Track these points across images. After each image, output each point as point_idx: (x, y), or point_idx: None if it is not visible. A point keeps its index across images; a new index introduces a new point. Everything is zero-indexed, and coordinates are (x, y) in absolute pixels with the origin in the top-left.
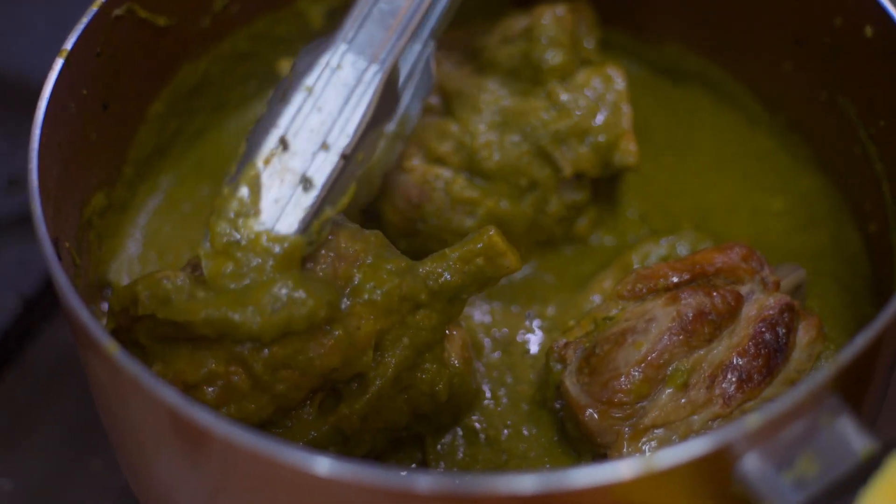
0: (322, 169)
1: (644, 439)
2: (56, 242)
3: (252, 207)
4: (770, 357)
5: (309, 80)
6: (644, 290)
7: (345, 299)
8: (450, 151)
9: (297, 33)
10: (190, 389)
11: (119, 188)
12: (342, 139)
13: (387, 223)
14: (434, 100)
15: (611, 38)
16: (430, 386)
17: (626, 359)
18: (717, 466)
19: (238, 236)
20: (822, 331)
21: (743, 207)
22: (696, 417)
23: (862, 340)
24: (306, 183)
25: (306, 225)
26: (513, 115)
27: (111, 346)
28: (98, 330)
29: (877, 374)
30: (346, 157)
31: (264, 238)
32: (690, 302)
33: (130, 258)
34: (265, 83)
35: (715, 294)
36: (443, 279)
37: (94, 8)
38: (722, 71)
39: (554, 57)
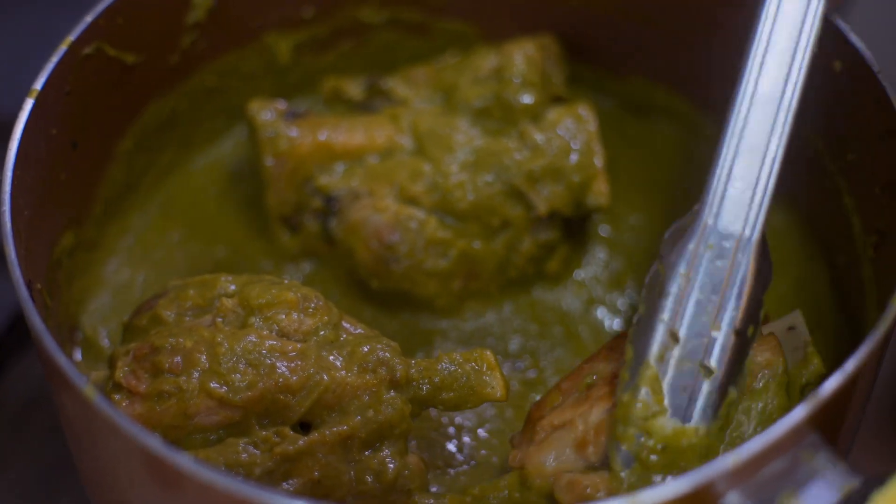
0: (717, 351)
1: (542, 434)
2: (29, 285)
3: (657, 406)
4: None
5: (682, 268)
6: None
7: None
8: (422, 191)
9: (264, 68)
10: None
11: (88, 227)
12: (729, 315)
13: (359, 263)
14: (405, 139)
15: (577, 72)
16: (380, 463)
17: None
18: None
19: (651, 441)
20: (776, 346)
21: None
22: (594, 410)
23: (840, 377)
24: (704, 370)
25: (715, 411)
26: (485, 155)
27: (88, 391)
28: (75, 374)
29: (852, 410)
30: (738, 333)
31: (683, 439)
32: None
33: (100, 299)
34: (233, 119)
35: None
36: (428, 376)
37: (63, 47)
38: (688, 105)
39: (526, 97)
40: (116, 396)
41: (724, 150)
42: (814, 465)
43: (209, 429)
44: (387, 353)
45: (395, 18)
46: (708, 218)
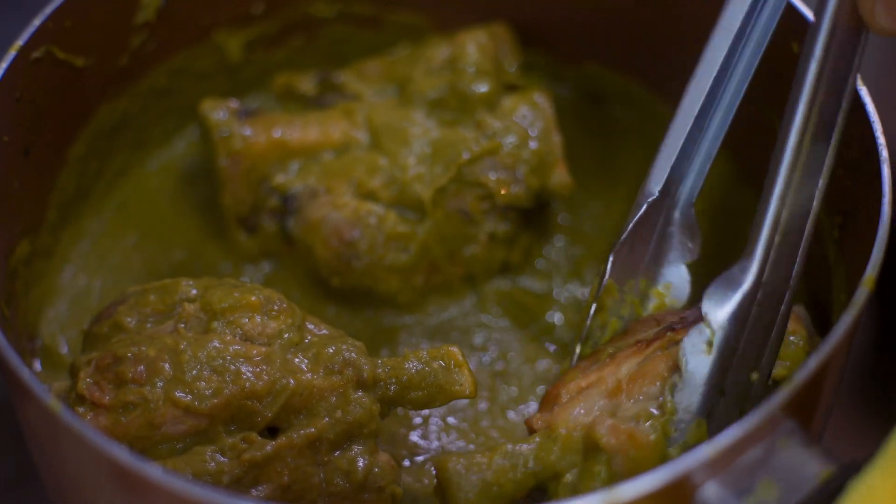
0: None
1: (567, 397)
2: None
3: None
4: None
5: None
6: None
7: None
8: (380, 186)
9: (215, 67)
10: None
11: (43, 235)
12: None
13: (319, 262)
14: (361, 134)
15: (532, 60)
16: (349, 463)
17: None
18: (678, 497)
19: None
20: (795, 317)
21: None
22: (624, 365)
23: (815, 362)
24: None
25: None
26: (442, 146)
27: (53, 404)
28: (38, 387)
29: (825, 394)
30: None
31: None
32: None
33: (58, 307)
34: (185, 119)
35: None
36: (395, 376)
37: (12, 52)
38: (645, 90)
39: (481, 86)
40: (80, 409)
41: None
42: (790, 451)
43: (176, 438)
44: (353, 354)
45: (346, 12)
46: (757, 278)
